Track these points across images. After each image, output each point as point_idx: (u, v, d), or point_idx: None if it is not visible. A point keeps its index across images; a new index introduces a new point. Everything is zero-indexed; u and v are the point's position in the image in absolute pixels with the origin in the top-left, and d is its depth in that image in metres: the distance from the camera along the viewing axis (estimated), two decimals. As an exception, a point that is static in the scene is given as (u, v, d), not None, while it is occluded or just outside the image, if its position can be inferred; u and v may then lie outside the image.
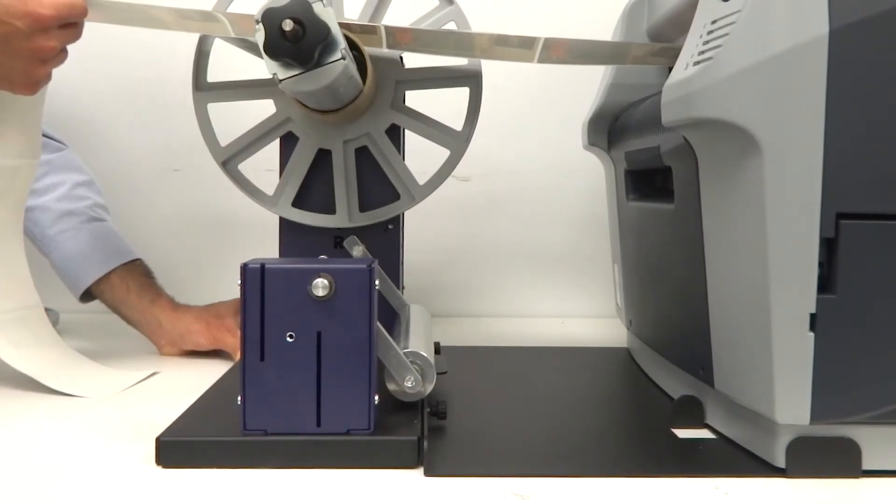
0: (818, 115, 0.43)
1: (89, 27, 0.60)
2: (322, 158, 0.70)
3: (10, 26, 0.57)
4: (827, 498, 0.44)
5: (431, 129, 0.70)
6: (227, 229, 1.06)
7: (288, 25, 0.51)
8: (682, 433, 0.54)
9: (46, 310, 0.93)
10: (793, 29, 0.43)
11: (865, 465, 0.47)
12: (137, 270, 0.83)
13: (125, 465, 0.47)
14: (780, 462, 0.47)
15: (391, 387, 0.52)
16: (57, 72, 1.03)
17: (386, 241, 0.72)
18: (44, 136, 0.87)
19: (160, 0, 0.62)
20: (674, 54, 0.54)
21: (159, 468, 0.46)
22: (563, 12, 1.04)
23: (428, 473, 0.46)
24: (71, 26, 0.61)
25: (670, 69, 0.52)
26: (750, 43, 0.44)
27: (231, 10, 0.69)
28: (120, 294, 0.81)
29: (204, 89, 0.70)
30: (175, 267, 1.05)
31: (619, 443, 0.54)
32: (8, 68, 0.59)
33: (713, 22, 0.47)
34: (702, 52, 0.47)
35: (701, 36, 0.48)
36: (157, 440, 0.47)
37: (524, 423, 0.57)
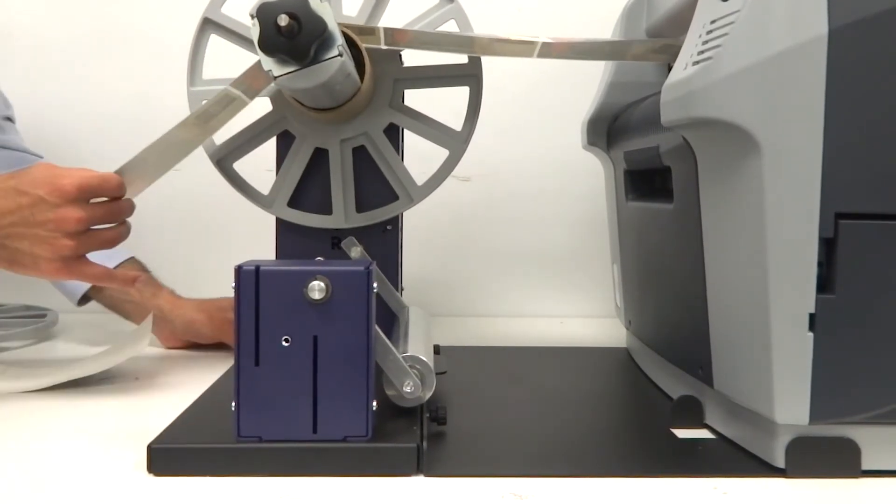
0: (817, 115, 0.43)
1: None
2: (319, 158, 0.69)
3: (34, 197, 0.57)
4: (826, 498, 0.44)
5: (430, 128, 0.69)
6: (226, 229, 1.06)
7: (283, 20, 0.50)
8: (681, 433, 0.54)
9: (45, 310, 0.93)
10: (792, 29, 0.43)
11: (865, 465, 0.47)
12: (134, 267, 0.83)
13: (116, 472, 0.46)
14: (780, 462, 0.47)
15: (390, 392, 0.51)
16: (57, 72, 1.03)
17: (385, 242, 0.71)
18: (21, 151, 0.87)
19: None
20: (674, 51, 0.54)
21: (151, 476, 0.45)
22: (563, 12, 1.04)
23: (427, 473, 0.46)
24: (110, 202, 0.61)
25: (670, 68, 0.52)
26: (749, 43, 0.44)
27: (225, 8, 0.69)
28: (120, 291, 0.81)
29: (199, 85, 0.69)
30: (173, 267, 1.05)
31: (618, 443, 0.54)
32: (32, 241, 0.58)
33: (712, 22, 0.47)
34: (701, 52, 0.47)
35: (700, 36, 0.48)
36: (149, 447, 0.46)
37: (523, 423, 0.57)
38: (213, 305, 0.80)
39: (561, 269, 1.07)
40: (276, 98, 0.68)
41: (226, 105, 0.60)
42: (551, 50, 0.62)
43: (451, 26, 0.68)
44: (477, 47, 0.63)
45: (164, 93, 1.00)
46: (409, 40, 0.63)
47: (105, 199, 0.61)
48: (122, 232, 0.63)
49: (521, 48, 0.62)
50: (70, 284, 0.82)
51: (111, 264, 0.82)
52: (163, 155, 0.61)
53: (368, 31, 0.62)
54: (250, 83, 0.59)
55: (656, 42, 0.61)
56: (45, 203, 0.57)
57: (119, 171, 0.61)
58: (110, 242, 0.62)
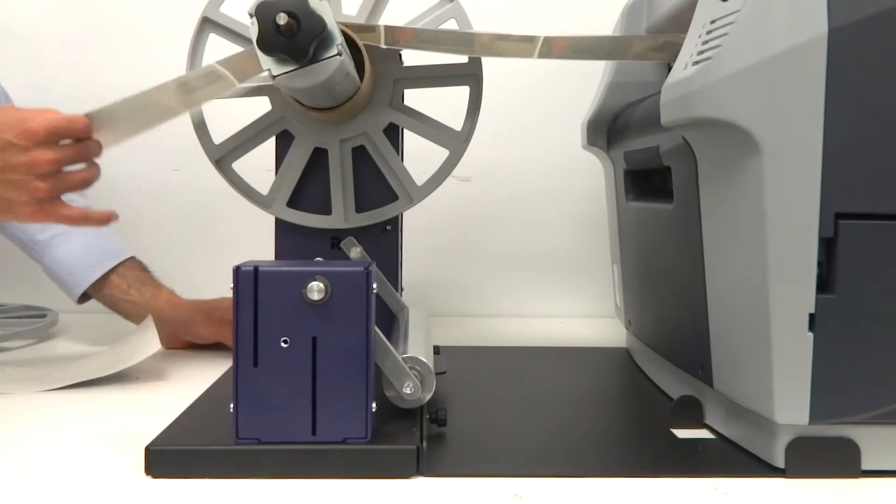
0: (817, 115, 0.43)
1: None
2: (318, 157, 0.69)
3: (3, 141, 0.57)
4: (826, 498, 0.44)
5: (430, 128, 0.69)
6: (227, 230, 1.06)
7: (282, 19, 0.50)
8: (681, 433, 0.54)
9: (45, 310, 0.93)
10: (792, 28, 0.43)
11: (865, 465, 0.47)
12: (134, 266, 0.83)
13: (114, 474, 0.46)
14: (780, 462, 0.47)
15: (389, 393, 0.51)
16: (58, 69, 1.03)
17: (384, 242, 0.71)
18: None
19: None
20: (674, 50, 0.54)
21: (149, 478, 0.45)
22: (563, 12, 1.04)
23: (426, 474, 0.46)
24: (78, 143, 0.60)
25: (670, 67, 0.52)
26: (749, 43, 0.44)
27: (224, 7, 0.69)
28: (120, 291, 0.82)
29: (198, 87, 0.69)
30: (172, 267, 1.05)
31: (618, 443, 0.54)
32: (6, 186, 0.58)
33: (712, 22, 0.47)
34: (701, 52, 0.47)
35: (700, 36, 0.48)
36: (147, 449, 0.45)
37: (523, 423, 0.57)
38: (211, 306, 0.80)
39: (561, 269, 1.07)
40: (275, 98, 0.68)
41: (211, 81, 0.59)
42: (552, 49, 0.62)
43: (451, 26, 0.68)
44: (477, 45, 0.63)
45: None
46: (409, 39, 0.62)
47: (71, 140, 0.60)
48: (93, 173, 0.62)
49: (521, 47, 0.62)
50: (71, 280, 0.82)
51: (110, 264, 0.82)
52: (135, 113, 0.61)
53: (368, 29, 0.62)
54: (240, 66, 0.59)
55: (657, 39, 0.61)
56: (15, 147, 0.57)
57: (87, 115, 0.61)
58: (83, 183, 0.62)
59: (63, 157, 0.59)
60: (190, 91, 0.60)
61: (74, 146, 0.60)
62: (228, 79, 0.59)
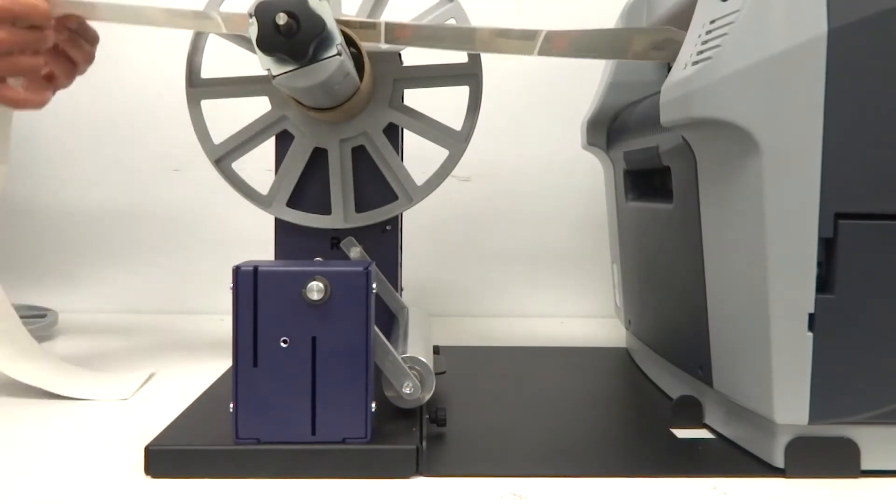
0: (817, 115, 0.43)
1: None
2: (318, 157, 0.70)
3: None
4: (826, 498, 0.44)
5: (430, 128, 0.69)
6: (226, 229, 1.06)
7: (282, 19, 0.50)
8: (680, 433, 0.54)
9: (45, 310, 0.93)
10: (791, 29, 0.43)
11: (864, 465, 0.47)
12: None
13: (113, 474, 0.46)
14: (779, 462, 0.47)
15: (389, 393, 0.51)
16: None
17: (384, 242, 0.71)
18: None
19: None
20: (674, 48, 0.54)
21: (148, 478, 0.45)
22: (564, 12, 1.04)
23: (426, 474, 0.46)
24: (34, 29, 0.58)
25: (669, 67, 0.52)
26: (748, 43, 0.44)
27: (224, 7, 0.69)
28: None
29: (197, 85, 0.69)
30: (174, 267, 1.05)
31: (617, 443, 0.54)
32: None
33: (712, 22, 0.47)
34: (700, 52, 0.47)
35: (699, 36, 0.48)
36: (146, 449, 0.45)
37: (523, 424, 0.57)
38: None
39: (561, 269, 1.06)
40: (274, 98, 0.68)
41: (199, 19, 0.60)
42: (552, 46, 0.62)
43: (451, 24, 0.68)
44: (478, 42, 0.63)
45: (163, 92, 1.00)
46: (410, 35, 0.62)
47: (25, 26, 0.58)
48: (40, 63, 0.60)
49: (522, 44, 0.62)
50: None
51: None
52: (111, 11, 0.60)
53: (369, 26, 0.62)
54: (230, 18, 0.60)
55: (658, 34, 0.61)
56: None
57: (50, 2, 0.59)
58: (30, 70, 0.60)
59: (15, 40, 0.57)
60: (175, 17, 0.60)
61: (28, 32, 0.58)
62: (216, 21, 0.59)
